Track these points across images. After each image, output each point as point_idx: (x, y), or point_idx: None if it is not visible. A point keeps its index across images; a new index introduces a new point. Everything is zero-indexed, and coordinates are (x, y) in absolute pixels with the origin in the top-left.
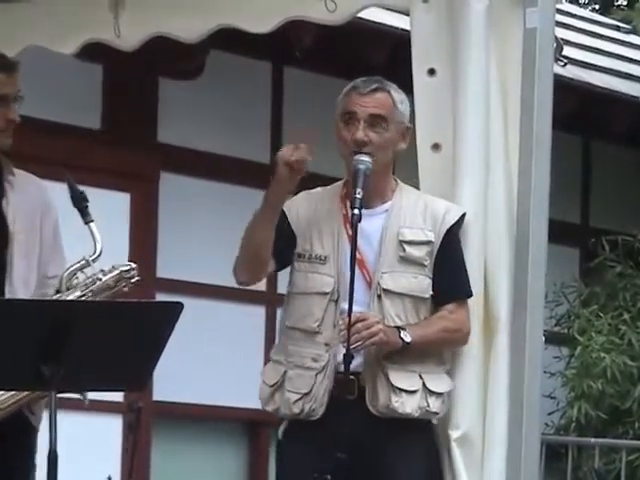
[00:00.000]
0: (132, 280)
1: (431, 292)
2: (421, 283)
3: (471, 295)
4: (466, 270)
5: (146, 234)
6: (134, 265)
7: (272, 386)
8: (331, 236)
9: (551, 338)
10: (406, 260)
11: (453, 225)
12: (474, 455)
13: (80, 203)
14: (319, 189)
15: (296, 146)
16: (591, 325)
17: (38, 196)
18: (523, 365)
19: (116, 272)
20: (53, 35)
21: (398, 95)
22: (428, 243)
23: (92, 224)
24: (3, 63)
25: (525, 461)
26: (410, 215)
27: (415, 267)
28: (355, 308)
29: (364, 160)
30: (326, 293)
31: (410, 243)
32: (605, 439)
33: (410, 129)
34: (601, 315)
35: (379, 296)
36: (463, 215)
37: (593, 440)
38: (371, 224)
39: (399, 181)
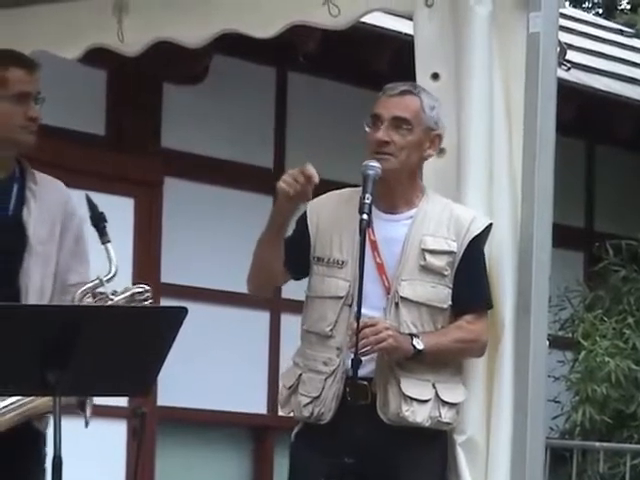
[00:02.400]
0: (145, 303)
1: (450, 302)
2: (439, 293)
3: (491, 307)
4: (487, 281)
5: (150, 239)
6: (148, 287)
7: (289, 388)
8: (351, 240)
9: (555, 342)
10: (426, 269)
11: (477, 236)
12: (479, 459)
13: (99, 223)
14: (345, 190)
15: (294, 178)
16: (595, 329)
17: (60, 205)
18: (527, 369)
19: (128, 293)
20: (57, 40)
21: (429, 101)
22: (450, 253)
23: (109, 245)
24: (25, 61)
25: (530, 465)
26: (435, 223)
27: (435, 277)
28: (371, 313)
29: (373, 166)
30: (340, 297)
31: (432, 252)
32: (610, 443)
33: (441, 137)
34: (605, 319)
35: (396, 304)
36: (489, 225)
37: (598, 444)
38: (395, 230)
39: (427, 188)
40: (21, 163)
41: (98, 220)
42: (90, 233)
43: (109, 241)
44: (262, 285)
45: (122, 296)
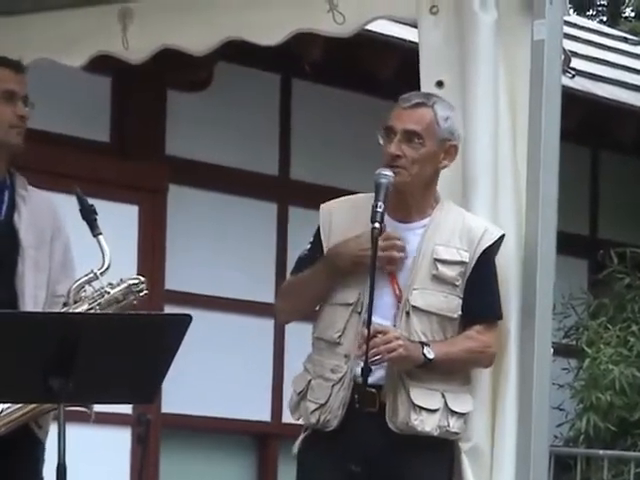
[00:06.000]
0: (140, 294)
1: (460, 312)
2: (450, 303)
3: (501, 317)
4: (498, 292)
5: (155, 246)
6: (143, 278)
7: (299, 394)
8: None
9: (559, 350)
10: (438, 279)
11: (489, 247)
12: (484, 467)
13: (89, 216)
14: (360, 196)
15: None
16: (599, 337)
17: (50, 215)
18: (532, 377)
19: (124, 285)
20: (61, 48)
21: (443, 112)
22: (461, 264)
23: (101, 237)
24: (9, 61)
25: (534, 473)
26: (447, 233)
27: (446, 286)
28: (381, 322)
29: (386, 174)
30: (350, 304)
31: (444, 262)
32: (614, 451)
33: (457, 147)
34: (609, 327)
35: (407, 313)
36: (501, 237)
37: (602, 452)
38: (408, 239)
39: (442, 198)
40: (10, 171)
41: (88, 213)
42: (83, 229)
43: (101, 233)
44: (295, 317)
45: (118, 288)
